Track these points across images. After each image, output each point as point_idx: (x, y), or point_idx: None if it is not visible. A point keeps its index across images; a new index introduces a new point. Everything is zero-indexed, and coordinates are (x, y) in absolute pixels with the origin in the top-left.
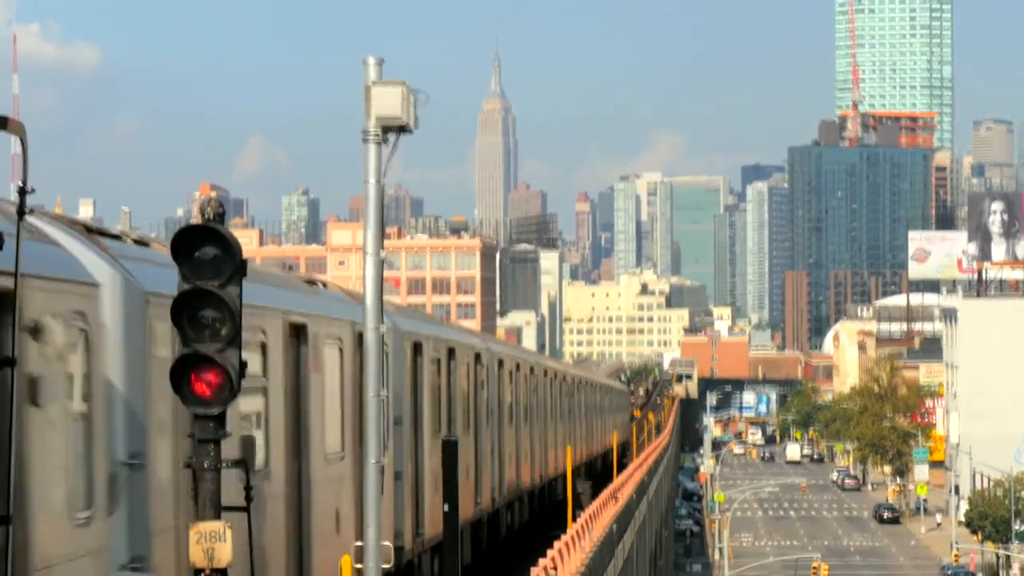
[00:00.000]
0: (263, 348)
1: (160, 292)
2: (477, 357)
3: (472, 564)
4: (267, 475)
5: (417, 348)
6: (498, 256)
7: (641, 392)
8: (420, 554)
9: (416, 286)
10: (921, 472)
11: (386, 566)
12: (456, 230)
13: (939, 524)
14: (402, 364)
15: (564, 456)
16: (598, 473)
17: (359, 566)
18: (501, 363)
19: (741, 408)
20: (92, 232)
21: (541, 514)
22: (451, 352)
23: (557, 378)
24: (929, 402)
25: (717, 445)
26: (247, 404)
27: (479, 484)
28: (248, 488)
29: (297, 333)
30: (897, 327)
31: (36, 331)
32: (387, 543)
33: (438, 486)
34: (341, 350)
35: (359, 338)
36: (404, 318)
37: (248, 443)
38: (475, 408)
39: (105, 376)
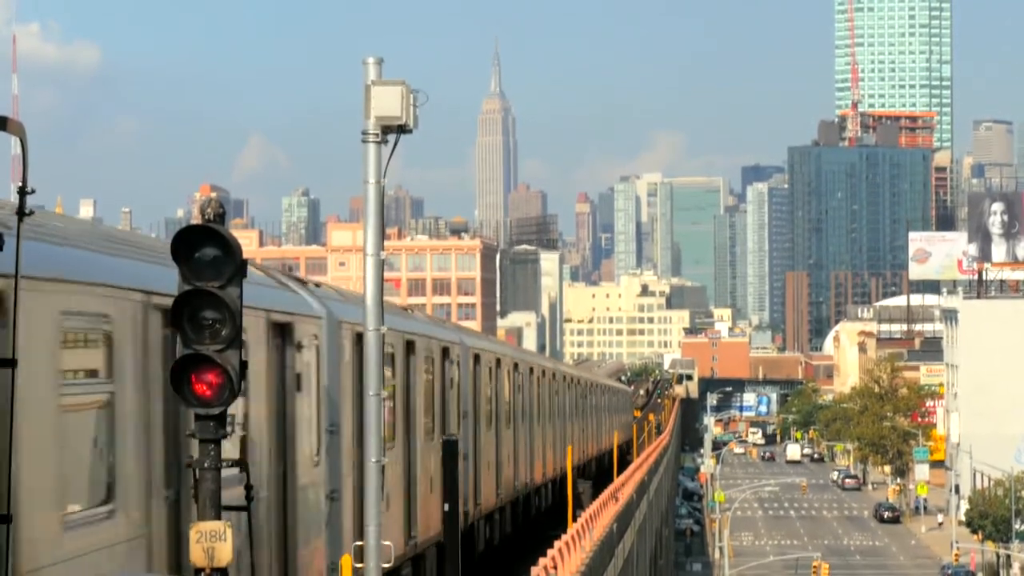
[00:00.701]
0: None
1: (346, 319)
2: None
3: (486, 551)
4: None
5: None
6: (498, 257)
7: (641, 392)
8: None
9: (416, 287)
10: (921, 472)
11: (386, 566)
12: (456, 231)
13: (941, 524)
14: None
15: (577, 452)
16: (605, 468)
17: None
18: (516, 366)
19: (741, 408)
20: (298, 280)
21: (549, 509)
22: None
23: (572, 382)
24: (929, 402)
25: (717, 445)
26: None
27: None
28: (248, 488)
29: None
30: (897, 328)
31: (300, 347)
32: (387, 542)
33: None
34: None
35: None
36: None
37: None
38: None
39: (321, 374)
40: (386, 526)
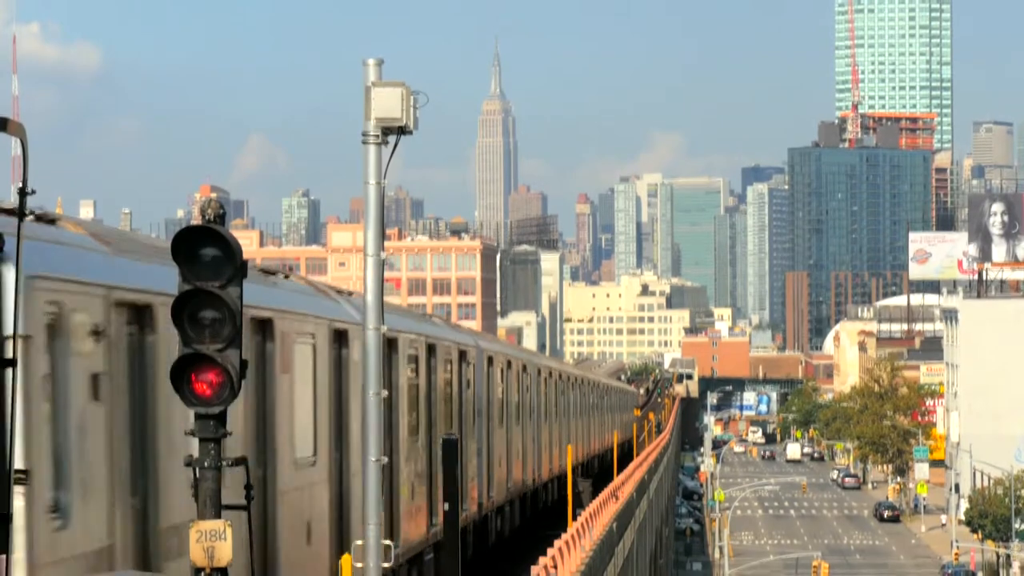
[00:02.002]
0: None
1: (399, 329)
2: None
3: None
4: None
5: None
6: (498, 257)
7: (642, 392)
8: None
9: (417, 287)
10: (921, 471)
11: (386, 565)
12: (456, 231)
13: (943, 525)
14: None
15: (602, 441)
16: (608, 466)
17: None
18: (526, 368)
19: (742, 407)
20: (343, 293)
21: (555, 504)
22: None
23: (576, 382)
24: (929, 401)
25: (717, 444)
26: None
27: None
28: (248, 487)
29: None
30: (897, 328)
31: (351, 349)
32: (387, 542)
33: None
34: (451, 361)
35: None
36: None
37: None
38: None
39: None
40: (418, 506)
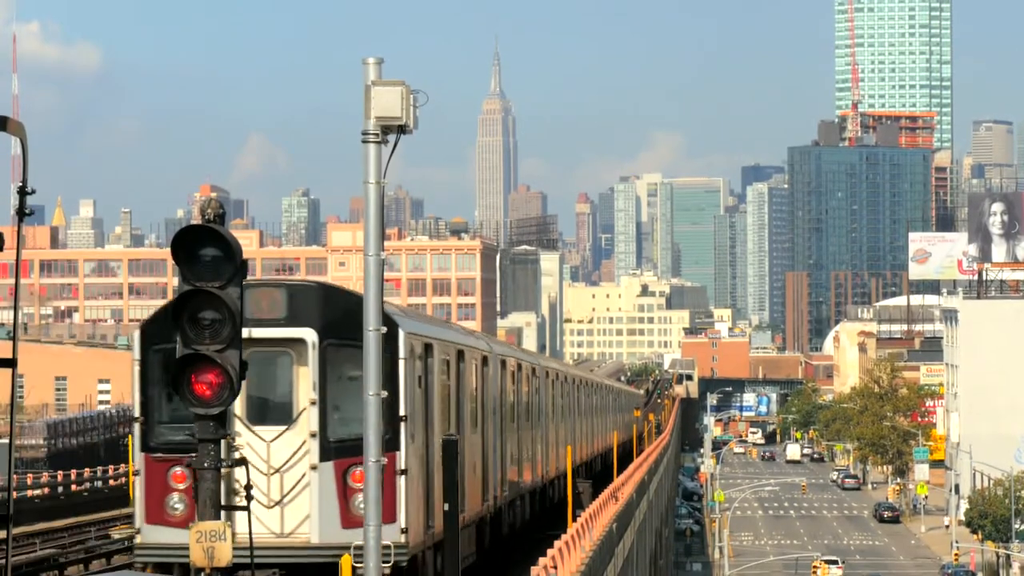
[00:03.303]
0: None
1: (500, 353)
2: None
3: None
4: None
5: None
6: (498, 257)
7: (641, 392)
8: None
9: (416, 287)
10: (921, 472)
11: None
12: (456, 231)
13: (948, 526)
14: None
15: (606, 440)
16: (609, 465)
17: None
18: (547, 373)
19: (741, 408)
20: (451, 323)
21: (561, 501)
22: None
23: (581, 384)
24: (929, 402)
25: (717, 445)
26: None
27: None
28: (248, 487)
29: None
30: (897, 328)
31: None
32: (387, 542)
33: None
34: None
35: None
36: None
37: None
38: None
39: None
40: (472, 483)
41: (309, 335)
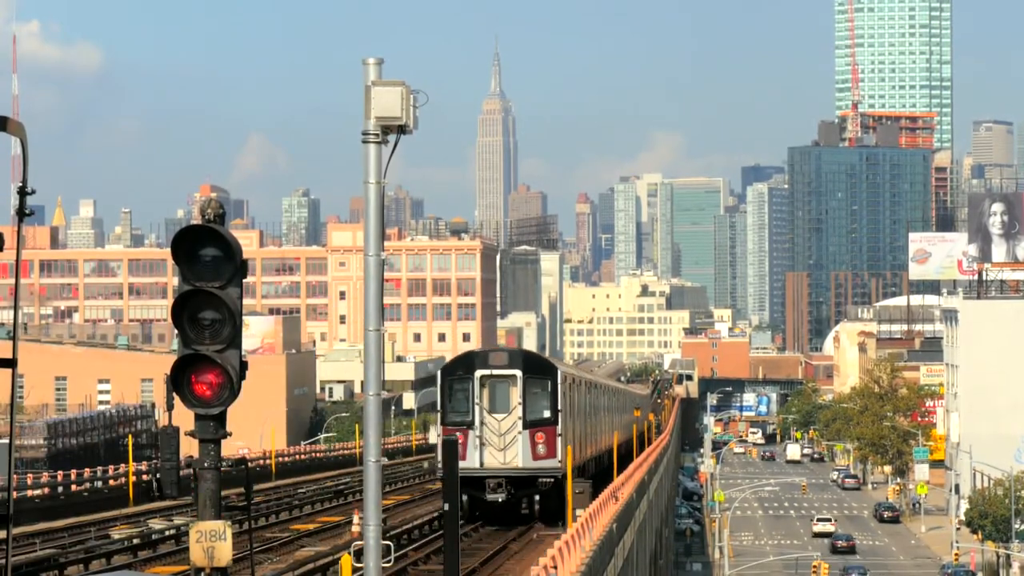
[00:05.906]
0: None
1: (566, 374)
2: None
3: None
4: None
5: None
6: (498, 257)
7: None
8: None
9: (416, 287)
10: (921, 472)
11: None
12: (456, 231)
13: (958, 528)
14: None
15: (624, 433)
16: (622, 456)
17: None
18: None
19: (741, 408)
20: (559, 362)
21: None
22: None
23: (613, 391)
24: (929, 402)
25: (717, 445)
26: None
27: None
28: (248, 487)
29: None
30: (897, 328)
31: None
32: (387, 542)
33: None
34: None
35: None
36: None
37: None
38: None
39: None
40: (586, 441)
41: (518, 372)
